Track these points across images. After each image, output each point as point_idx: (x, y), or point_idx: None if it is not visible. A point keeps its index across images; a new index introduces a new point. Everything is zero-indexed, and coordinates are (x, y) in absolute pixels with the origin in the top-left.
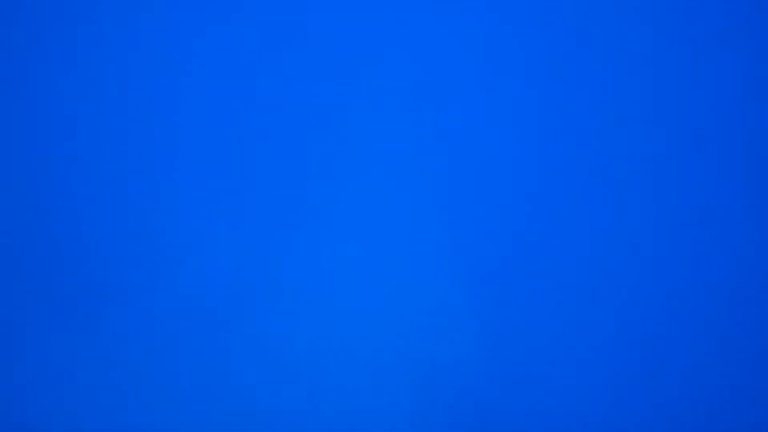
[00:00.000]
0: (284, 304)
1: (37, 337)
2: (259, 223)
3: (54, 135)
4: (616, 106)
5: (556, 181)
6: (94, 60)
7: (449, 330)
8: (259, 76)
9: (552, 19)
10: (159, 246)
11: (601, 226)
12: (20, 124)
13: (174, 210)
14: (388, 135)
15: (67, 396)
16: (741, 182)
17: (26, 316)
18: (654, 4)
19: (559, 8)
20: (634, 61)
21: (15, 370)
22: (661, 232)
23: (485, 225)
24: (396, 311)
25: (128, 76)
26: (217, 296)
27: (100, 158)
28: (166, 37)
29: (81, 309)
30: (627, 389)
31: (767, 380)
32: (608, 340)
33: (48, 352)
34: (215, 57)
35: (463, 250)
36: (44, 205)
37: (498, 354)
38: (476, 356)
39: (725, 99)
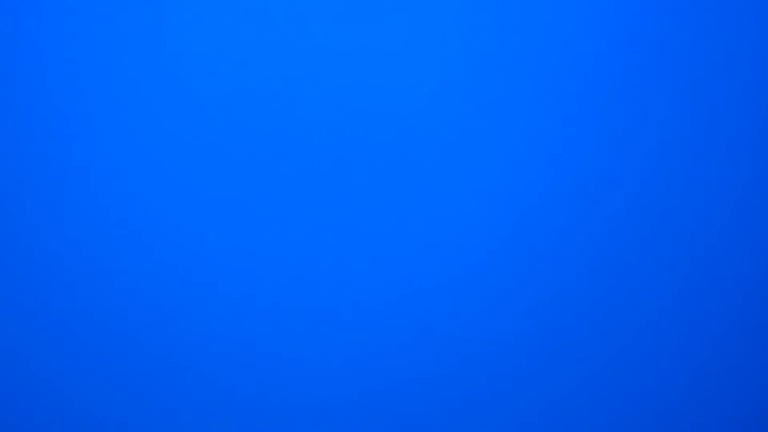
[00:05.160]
0: (276, 302)
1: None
2: (243, 225)
3: (52, 134)
4: (616, 109)
5: (550, 186)
6: (92, 57)
7: (438, 333)
8: (254, 76)
9: (551, 20)
10: (157, 247)
11: (598, 237)
12: (19, 124)
13: (172, 210)
14: (379, 136)
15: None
16: (741, 183)
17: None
18: (655, 5)
19: (559, 9)
20: (635, 69)
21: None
22: (663, 240)
23: (480, 230)
24: (388, 312)
25: (126, 75)
26: (213, 296)
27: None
28: (164, 34)
29: (81, 307)
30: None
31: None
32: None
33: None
34: (213, 56)
35: (455, 253)
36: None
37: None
38: (464, 359)
39: (724, 98)
